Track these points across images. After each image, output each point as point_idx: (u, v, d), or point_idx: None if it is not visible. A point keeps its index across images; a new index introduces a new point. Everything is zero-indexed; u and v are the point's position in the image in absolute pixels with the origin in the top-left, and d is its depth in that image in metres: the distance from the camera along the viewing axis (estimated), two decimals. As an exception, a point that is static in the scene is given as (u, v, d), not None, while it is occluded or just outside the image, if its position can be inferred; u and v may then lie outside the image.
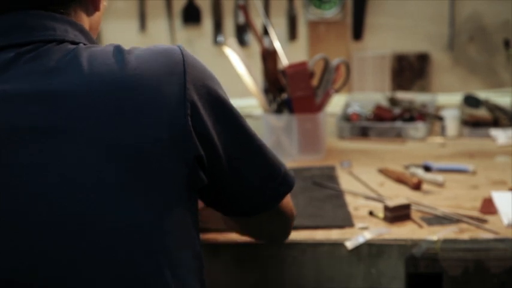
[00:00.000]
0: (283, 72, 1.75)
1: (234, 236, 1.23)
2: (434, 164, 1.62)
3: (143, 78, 0.85)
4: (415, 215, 1.32)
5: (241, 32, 2.48)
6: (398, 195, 1.44)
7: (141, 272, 0.84)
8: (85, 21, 0.94)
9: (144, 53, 0.87)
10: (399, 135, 1.93)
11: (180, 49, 0.90)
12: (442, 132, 1.94)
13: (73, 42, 0.88)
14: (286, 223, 1.10)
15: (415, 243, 1.21)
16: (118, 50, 0.87)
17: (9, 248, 0.82)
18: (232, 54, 1.73)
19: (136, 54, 0.87)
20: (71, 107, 0.82)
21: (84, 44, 0.89)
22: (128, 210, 0.83)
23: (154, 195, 0.84)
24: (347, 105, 2.10)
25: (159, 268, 0.85)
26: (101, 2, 0.96)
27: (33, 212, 0.82)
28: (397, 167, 1.62)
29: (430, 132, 1.93)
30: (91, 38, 0.92)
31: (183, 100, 0.86)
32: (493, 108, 2.02)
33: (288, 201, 1.06)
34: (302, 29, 2.47)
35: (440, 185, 1.49)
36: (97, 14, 0.96)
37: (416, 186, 1.48)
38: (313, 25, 2.45)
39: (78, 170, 0.81)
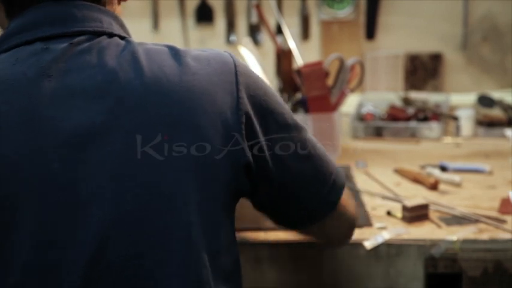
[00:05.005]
0: (299, 71, 1.75)
1: (250, 235, 1.23)
2: (451, 164, 1.61)
3: (201, 84, 0.85)
4: (433, 215, 1.31)
5: (254, 32, 2.48)
6: (415, 195, 1.43)
7: (186, 274, 0.83)
8: (118, 12, 0.93)
9: (199, 57, 0.87)
10: (413, 135, 1.93)
11: (231, 56, 0.90)
12: (457, 132, 1.93)
13: (120, 37, 0.88)
14: (343, 228, 1.06)
15: (434, 243, 1.21)
16: (174, 51, 0.86)
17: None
18: (247, 53, 1.73)
19: (192, 58, 0.86)
20: (128, 107, 0.81)
21: (122, 38, 0.88)
22: (179, 211, 0.82)
23: (203, 200, 0.84)
24: (360, 105, 2.10)
25: (202, 270, 0.84)
26: None
27: (92, 207, 0.80)
28: (412, 167, 1.61)
29: (444, 132, 1.93)
30: (128, 32, 0.92)
31: (236, 109, 0.86)
32: (507, 108, 2.02)
33: (345, 205, 1.01)
34: (315, 29, 2.46)
35: (457, 185, 1.49)
36: (122, 4, 0.95)
37: (433, 186, 1.47)
38: (326, 25, 2.45)
39: (130, 170, 0.80)
